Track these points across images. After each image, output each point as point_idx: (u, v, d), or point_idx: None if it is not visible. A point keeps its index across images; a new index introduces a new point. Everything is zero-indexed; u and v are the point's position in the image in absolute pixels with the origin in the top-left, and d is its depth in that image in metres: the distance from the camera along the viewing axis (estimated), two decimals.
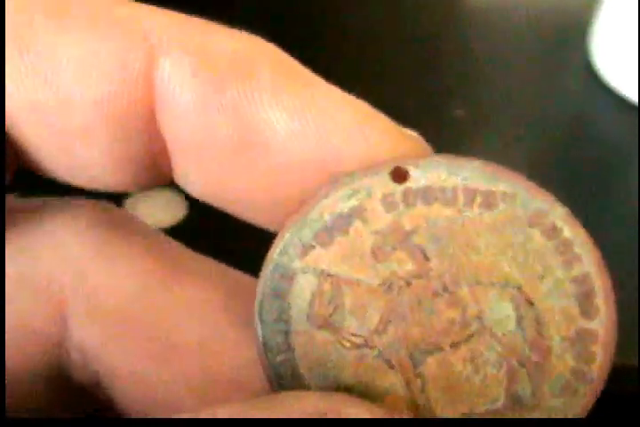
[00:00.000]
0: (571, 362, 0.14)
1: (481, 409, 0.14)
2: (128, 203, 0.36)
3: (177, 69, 0.14)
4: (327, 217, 0.14)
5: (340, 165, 0.14)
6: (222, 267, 0.17)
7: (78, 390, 0.16)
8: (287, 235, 0.14)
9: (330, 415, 0.12)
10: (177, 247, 0.17)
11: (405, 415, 0.13)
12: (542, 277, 0.14)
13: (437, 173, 0.14)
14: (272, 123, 0.14)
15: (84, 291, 0.15)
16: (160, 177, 0.15)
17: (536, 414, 0.14)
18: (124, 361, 0.15)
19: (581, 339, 0.14)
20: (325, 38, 0.47)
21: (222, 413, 0.12)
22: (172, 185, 0.15)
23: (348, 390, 0.14)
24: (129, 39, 0.13)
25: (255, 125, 0.14)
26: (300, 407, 0.12)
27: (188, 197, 0.36)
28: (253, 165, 0.14)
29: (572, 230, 0.14)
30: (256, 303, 0.14)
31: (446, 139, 0.14)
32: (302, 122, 0.13)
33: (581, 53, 0.46)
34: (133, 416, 0.16)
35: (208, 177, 0.14)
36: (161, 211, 0.36)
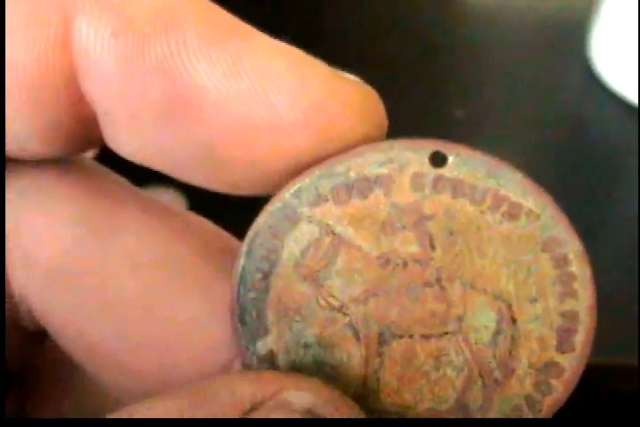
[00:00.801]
0: (528, 388, 0.14)
1: (424, 406, 0.14)
2: None
3: (95, 29, 0.13)
4: (352, 175, 0.13)
5: (280, 121, 0.13)
6: (173, 211, 0.16)
7: (32, 338, 0.16)
8: (307, 180, 0.13)
9: (266, 404, 0.12)
10: (122, 189, 0.16)
11: (347, 406, 0.13)
12: (534, 302, 0.14)
13: (475, 169, 0.13)
14: (202, 81, 0.13)
15: (21, 241, 0.14)
16: (92, 142, 0.14)
17: None
18: (62, 315, 0.15)
19: (547, 370, 0.14)
20: (325, 39, 0.47)
21: (143, 412, 0.12)
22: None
23: (306, 346, 0.14)
24: (41, 1, 0.13)
25: (185, 85, 0.13)
26: (234, 398, 0.12)
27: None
28: (188, 127, 0.13)
29: (579, 267, 0.14)
30: (249, 235, 0.14)
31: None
32: (235, 78, 0.13)
33: (581, 55, 0.46)
34: (86, 369, 0.15)
35: (141, 141, 0.14)
36: None
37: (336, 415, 0.12)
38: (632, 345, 0.32)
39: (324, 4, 0.49)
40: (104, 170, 0.16)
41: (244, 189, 0.14)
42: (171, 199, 0.36)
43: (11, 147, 0.14)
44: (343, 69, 0.14)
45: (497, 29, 0.49)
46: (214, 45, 0.13)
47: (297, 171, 0.14)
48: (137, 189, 0.16)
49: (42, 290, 0.15)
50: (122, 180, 0.16)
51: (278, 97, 0.13)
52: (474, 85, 0.46)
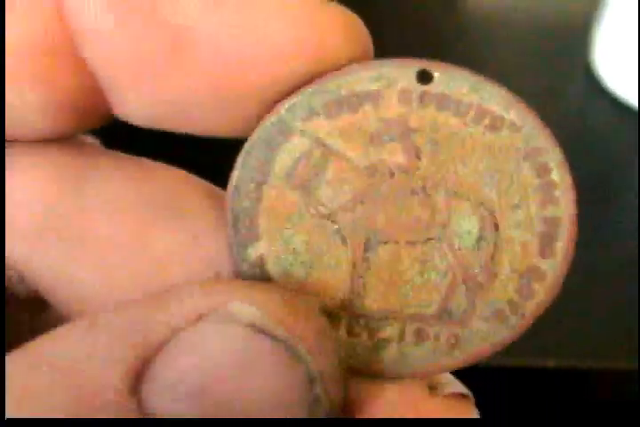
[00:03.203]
0: (511, 292, 0.14)
1: (410, 311, 0.14)
2: None
3: None
4: (343, 92, 0.14)
5: (275, 50, 0.13)
6: (143, 162, 0.16)
7: (29, 307, 0.16)
8: (300, 96, 0.14)
9: (210, 315, 0.12)
10: (94, 146, 0.16)
11: (298, 323, 0.13)
12: (516, 208, 0.14)
13: (460, 85, 0.14)
14: (193, 21, 0.13)
15: None
16: (100, 115, 0.15)
17: (458, 331, 0.14)
18: (52, 273, 0.15)
19: (529, 275, 0.14)
20: None
21: (103, 316, 0.12)
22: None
23: (295, 252, 0.14)
24: None
25: (180, 28, 0.13)
26: (182, 309, 0.12)
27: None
28: (188, 72, 0.13)
29: (560, 175, 0.14)
30: (244, 148, 0.14)
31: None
32: (222, 13, 0.13)
33: (582, 59, 0.46)
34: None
35: (148, 99, 0.14)
36: None
37: (280, 332, 0.12)
38: (632, 350, 0.32)
39: None
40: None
41: (248, 129, 0.14)
42: None
43: (22, 130, 0.14)
44: None
45: (498, 33, 0.49)
46: None
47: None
48: (89, 140, 0.16)
49: (29, 253, 0.15)
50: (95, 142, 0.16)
51: (267, 26, 0.13)
52: None
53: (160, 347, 0.12)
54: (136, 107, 0.14)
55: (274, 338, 0.12)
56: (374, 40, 0.14)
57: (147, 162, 0.16)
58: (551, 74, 0.46)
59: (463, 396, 0.15)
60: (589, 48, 0.46)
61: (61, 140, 0.15)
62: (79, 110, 0.14)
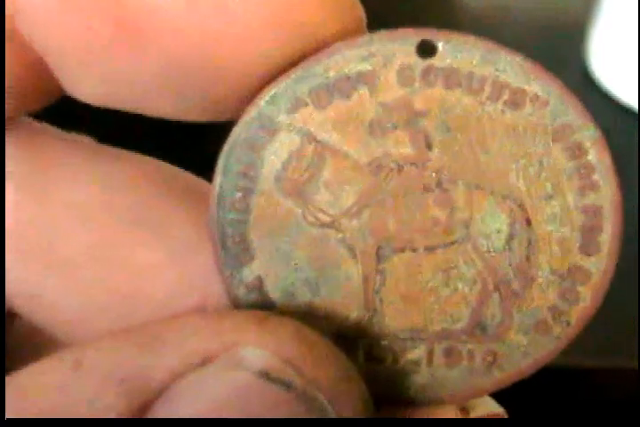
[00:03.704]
0: (552, 298, 0.12)
1: (437, 328, 0.12)
2: None
3: None
4: (332, 74, 0.12)
5: (244, 28, 0.12)
6: (126, 155, 0.14)
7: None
8: (282, 84, 0.12)
9: (217, 360, 0.11)
10: (65, 142, 0.14)
11: (317, 365, 0.11)
12: (550, 199, 0.12)
13: (470, 56, 0.12)
14: (146, 2, 0.12)
15: None
16: (52, 92, 0.13)
17: (495, 347, 0.12)
18: (25, 287, 0.13)
19: (572, 276, 0.12)
20: None
21: (90, 356, 0.11)
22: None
23: (297, 269, 0.12)
24: None
25: (133, 6, 0.12)
26: (182, 350, 0.11)
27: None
28: (145, 52, 0.12)
29: (598, 155, 0.12)
30: (224, 149, 0.12)
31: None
32: None
33: (579, 59, 0.46)
34: (58, 338, 0.14)
35: (99, 77, 0.13)
36: None
37: (297, 380, 0.11)
38: (632, 348, 0.32)
39: None
40: (47, 127, 0.15)
41: (222, 114, 0.13)
42: None
43: None
44: None
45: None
46: None
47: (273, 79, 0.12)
48: (86, 140, 0.15)
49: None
50: (65, 134, 0.15)
51: (237, 2, 0.11)
52: None
53: (158, 393, 0.11)
54: (88, 86, 0.13)
55: (289, 387, 0.11)
56: None
57: (127, 155, 0.14)
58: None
59: (495, 415, 0.13)
60: (585, 48, 0.46)
61: (32, 137, 0.14)
62: (35, 89, 0.13)
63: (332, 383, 0.11)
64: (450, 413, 0.13)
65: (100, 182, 0.13)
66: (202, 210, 0.13)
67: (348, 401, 0.11)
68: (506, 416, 0.13)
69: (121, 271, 0.13)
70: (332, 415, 0.11)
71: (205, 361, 0.11)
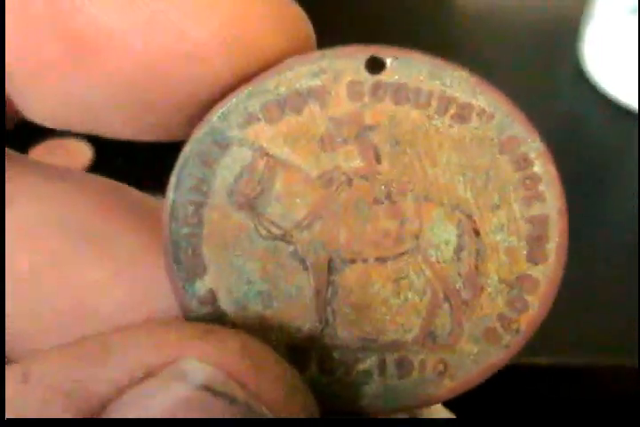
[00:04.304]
0: (501, 307, 0.12)
1: (388, 338, 0.13)
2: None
3: None
4: (283, 90, 0.12)
5: (190, 47, 0.12)
6: (72, 175, 0.14)
7: None
8: (234, 100, 0.12)
9: (159, 374, 0.11)
10: (10, 160, 0.14)
11: (261, 378, 0.11)
12: (497, 209, 0.12)
13: (417, 71, 0.12)
14: (100, 19, 0.12)
15: None
16: (10, 117, 0.13)
17: (446, 357, 0.13)
18: None
19: (520, 285, 0.12)
20: (320, 40, 0.47)
21: (37, 369, 0.11)
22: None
23: (249, 282, 0.13)
24: None
25: (82, 27, 0.12)
26: (125, 363, 0.11)
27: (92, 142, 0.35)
28: (97, 72, 0.12)
29: (543, 166, 0.12)
30: (177, 165, 0.13)
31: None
32: (134, 9, 0.12)
33: (573, 57, 0.46)
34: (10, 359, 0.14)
35: (51, 99, 0.13)
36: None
37: (240, 394, 0.11)
38: (632, 346, 0.32)
39: (319, 8, 0.49)
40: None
41: (174, 133, 0.13)
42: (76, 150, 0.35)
43: None
44: None
45: (488, 33, 0.49)
46: None
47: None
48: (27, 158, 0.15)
49: None
50: (10, 152, 0.15)
51: (184, 21, 0.12)
52: None
53: (103, 406, 0.11)
54: (42, 107, 0.13)
55: (233, 401, 0.11)
56: (365, 39, 0.13)
57: (72, 176, 0.14)
58: (542, 73, 0.46)
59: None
60: (580, 47, 0.46)
61: None
62: None
63: (276, 397, 0.11)
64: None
65: (50, 201, 0.14)
66: (149, 225, 0.13)
67: (294, 415, 0.11)
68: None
69: (67, 288, 0.13)
70: None
71: (149, 374, 0.11)
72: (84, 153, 0.35)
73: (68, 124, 0.13)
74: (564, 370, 0.33)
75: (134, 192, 0.14)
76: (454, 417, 0.14)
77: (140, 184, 0.15)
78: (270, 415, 0.11)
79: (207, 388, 0.11)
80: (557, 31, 0.49)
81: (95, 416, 0.11)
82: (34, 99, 0.13)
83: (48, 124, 0.13)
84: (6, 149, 0.14)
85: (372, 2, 0.49)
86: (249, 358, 0.11)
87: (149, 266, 0.13)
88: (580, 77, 0.45)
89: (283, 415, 0.11)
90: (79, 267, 0.13)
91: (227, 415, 0.10)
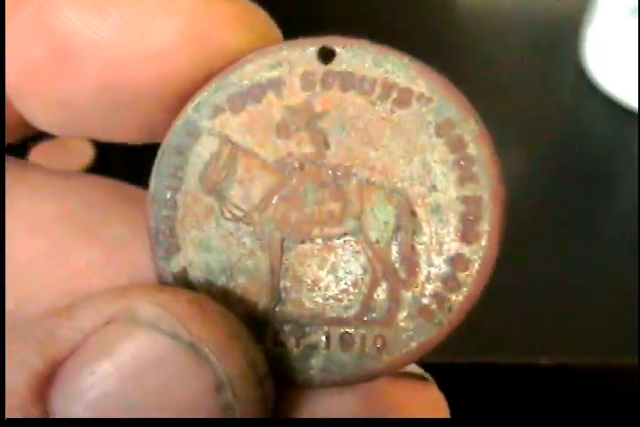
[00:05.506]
0: (436, 286, 0.13)
1: (332, 314, 0.13)
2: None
3: None
4: (245, 83, 0.13)
5: (157, 47, 0.13)
6: (64, 173, 0.15)
7: None
8: (205, 93, 0.13)
9: (116, 318, 0.12)
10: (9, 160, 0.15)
11: (199, 324, 0.12)
12: (433, 190, 0.13)
13: (363, 60, 0.13)
14: (76, 26, 0.13)
15: None
16: (16, 127, 0.14)
17: (384, 332, 0.13)
18: None
19: (453, 264, 0.13)
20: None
21: (20, 325, 0.12)
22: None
23: (216, 261, 0.14)
24: None
25: (62, 36, 0.13)
26: (94, 313, 0.12)
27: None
28: (77, 75, 0.13)
29: (477, 148, 0.13)
30: (158, 154, 0.14)
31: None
32: (104, 15, 0.13)
33: (574, 57, 0.46)
34: None
35: (44, 103, 0.14)
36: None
37: (185, 334, 0.12)
38: (632, 345, 0.32)
39: (318, 8, 0.49)
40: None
41: (162, 133, 0.14)
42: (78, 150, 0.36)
43: None
44: None
45: (489, 32, 0.49)
46: None
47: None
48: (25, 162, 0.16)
49: None
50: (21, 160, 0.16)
51: (150, 23, 0.13)
52: (466, 91, 0.46)
53: (71, 351, 0.12)
54: (36, 112, 0.14)
55: (179, 339, 0.12)
56: (363, 37, 0.13)
57: (67, 174, 0.15)
58: (543, 72, 0.46)
59: (423, 378, 0.14)
60: (581, 46, 0.46)
61: None
62: None
63: (220, 340, 0.12)
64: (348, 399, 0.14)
65: (53, 197, 0.15)
66: (138, 214, 0.14)
67: (235, 359, 0.12)
68: (431, 380, 0.15)
69: (64, 273, 0.14)
70: (221, 370, 0.12)
71: (109, 321, 0.12)
72: (86, 153, 0.35)
73: (70, 131, 0.14)
74: (564, 370, 0.33)
75: (127, 186, 0.16)
76: (419, 368, 0.14)
77: (140, 184, 0.16)
78: (213, 357, 0.12)
79: (153, 325, 0.12)
80: (558, 31, 0.49)
81: (65, 360, 0.12)
82: (32, 104, 0.14)
83: (54, 131, 0.14)
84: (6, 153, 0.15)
85: (370, 2, 0.49)
86: (197, 306, 0.12)
87: (137, 249, 0.14)
88: (581, 77, 0.45)
89: (226, 358, 0.12)
90: (75, 252, 0.14)
91: (172, 352, 0.12)
